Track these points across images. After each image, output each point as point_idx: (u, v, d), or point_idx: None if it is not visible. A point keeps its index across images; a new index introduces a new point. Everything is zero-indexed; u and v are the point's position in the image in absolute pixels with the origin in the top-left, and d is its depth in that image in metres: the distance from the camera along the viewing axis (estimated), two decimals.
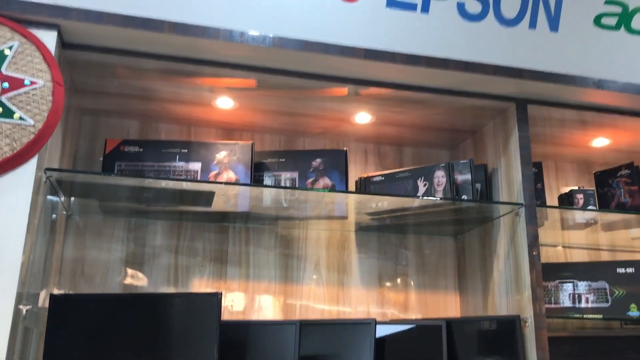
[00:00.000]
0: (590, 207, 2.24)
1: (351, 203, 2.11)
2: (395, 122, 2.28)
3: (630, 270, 2.20)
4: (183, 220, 2.25)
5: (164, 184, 1.89)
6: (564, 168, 2.70)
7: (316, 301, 2.30)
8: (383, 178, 2.18)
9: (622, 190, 2.31)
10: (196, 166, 2.04)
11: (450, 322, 2.06)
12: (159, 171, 2.02)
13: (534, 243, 1.98)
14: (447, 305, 2.41)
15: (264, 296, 2.26)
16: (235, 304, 2.23)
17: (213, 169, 2.04)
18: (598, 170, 2.43)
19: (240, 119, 2.27)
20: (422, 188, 2.11)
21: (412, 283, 2.41)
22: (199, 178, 2.02)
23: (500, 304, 2.12)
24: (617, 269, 2.22)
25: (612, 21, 2.08)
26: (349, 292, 2.34)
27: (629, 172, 2.31)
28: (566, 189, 2.35)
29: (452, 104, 2.12)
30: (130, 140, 2.06)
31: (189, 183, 1.90)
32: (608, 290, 2.19)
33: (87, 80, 1.98)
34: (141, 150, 2.05)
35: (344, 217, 2.24)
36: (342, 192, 2.01)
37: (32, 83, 1.59)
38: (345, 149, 2.16)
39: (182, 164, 2.04)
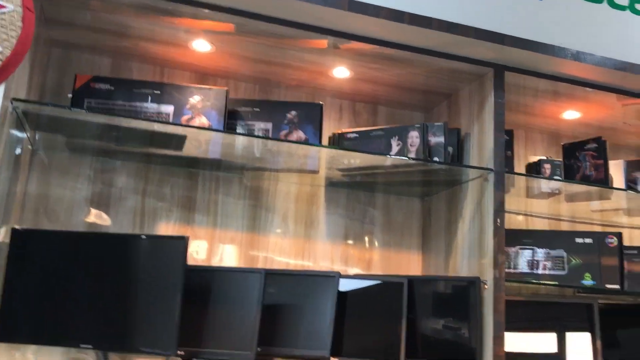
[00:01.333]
0: (556, 177, 2.28)
1: (324, 158, 2.10)
2: (373, 79, 2.27)
3: (588, 240, 2.27)
4: (152, 164, 2.21)
5: (134, 124, 1.84)
6: (533, 138, 2.73)
7: (281, 254, 2.31)
8: (357, 135, 2.17)
9: (588, 163, 2.36)
10: (168, 109, 2.00)
11: (412, 280, 2.10)
12: (130, 111, 1.97)
13: (499, 209, 2.02)
14: (410, 265, 2.45)
15: (229, 245, 2.26)
16: (200, 251, 2.22)
17: (186, 113, 2.00)
18: (567, 142, 2.47)
19: (215, 64, 2.22)
20: (395, 147, 2.11)
21: (377, 241, 2.44)
22: (171, 121, 1.97)
23: (461, 266, 2.16)
24: (576, 239, 2.28)
25: None
26: (315, 247, 2.36)
27: (596, 146, 2.36)
28: (535, 159, 2.39)
29: (431, 65, 2.11)
30: (101, 77, 2.00)
31: (160, 125, 1.86)
32: (565, 259, 2.26)
33: (58, 11, 1.89)
34: (112, 88, 1.99)
35: (315, 172, 2.24)
36: (317, 145, 2.00)
37: (0, 7, 1.51)
38: (321, 103, 2.13)
39: (154, 105, 1.99)
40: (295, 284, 2.01)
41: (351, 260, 2.40)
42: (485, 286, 1.99)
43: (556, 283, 2.23)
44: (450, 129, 2.22)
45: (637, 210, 2.60)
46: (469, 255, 2.13)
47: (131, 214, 2.17)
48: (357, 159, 2.06)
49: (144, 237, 1.84)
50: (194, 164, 2.21)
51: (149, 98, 1.99)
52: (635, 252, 2.35)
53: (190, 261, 2.18)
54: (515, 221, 2.61)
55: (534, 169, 2.35)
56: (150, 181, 2.21)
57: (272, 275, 2.01)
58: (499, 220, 2.00)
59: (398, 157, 2.05)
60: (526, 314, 2.23)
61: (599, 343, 2.15)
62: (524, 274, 2.26)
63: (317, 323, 1.95)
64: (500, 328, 1.93)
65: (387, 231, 2.46)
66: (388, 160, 2.06)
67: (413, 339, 2.04)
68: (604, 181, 2.31)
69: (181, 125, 1.91)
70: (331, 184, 2.39)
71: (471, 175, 2.14)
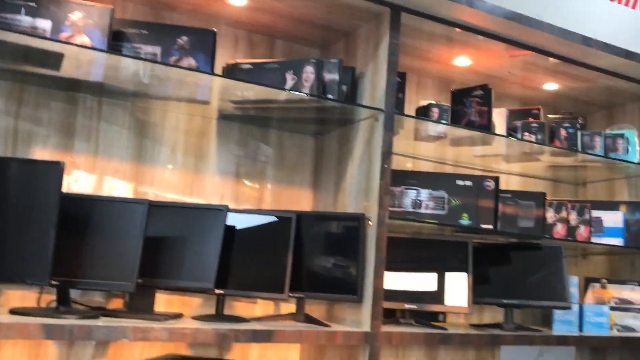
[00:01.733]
0: (443, 121, 2.36)
1: (216, 88, 2.04)
2: (270, 9, 2.20)
3: (468, 183, 2.39)
4: (27, 84, 2.04)
5: (3, 36, 1.67)
6: (425, 83, 2.80)
7: (168, 188, 2.24)
8: (252, 67, 2.11)
9: (473, 109, 2.46)
10: (45, 24, 1.83)
11: (300, 215, 2.12)
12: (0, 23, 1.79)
13: (387, 150, 2.06)
14: (301, 202, 2.47)
15: (112, 175, 2.16)
16: (81, 180, 2.11)
17: (65, 30, 1.84)
18: (455, 88, 2.55)
19: None
20: (290, 82, 2.08)
21: (269, 178, 2.43)
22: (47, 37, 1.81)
23: (349, 204, 2.21)
24: (457, 181, 2.40)
25: None
26: (204, 183, 2.31)
27: (482, 93, 2.46)
28: (424, 103, 2.45)
29: None
30: None
31: (36, 39, 1.70)
32: (446, 200, 2.37)
33: None
34: None
35: (206, 102, 2.16)
36: (208, 74, 1.92)
37: None
38: (214, 29, 2.04)
39: (28, 19, 1.82)
40: (182, 216, 1.97)
41: (242, 196, 2.37)
42: (370, 223, 2.05)
43: (436, 222, 2.34)
44: (345, 67, 2.22)
45: (514, 157, 2.76)
46: (356, 194, 2.17)
47: (2, 138, 2.00)
48: (250, 91, 2.01)
49: (15, 161, 1.71)
50: (74, 86, 2.07)
51: (23, 10, 1.81)
52: (510, 195, 2.51)
53: (70, 190, 2.07)
54: (402, 162, 2.69)
55: (422, 113, 2.41)
56: (25, 103, 2.04)
57: (157, 207, 1.95)
58: (386, 162, 2.04)
59: (292, 91, 2.03)
60: (408, 252, 2.33)
61: (471, 279, 2.30)
62: (407, 213, 2.35)
63: (203, 256, 1.93)
64: (381, 263, 2.01)
65: (280, 168, 2.45)
66: (282, 95, 2.03)
67: (299, 273, 2.08)
68: (487, 127, 2.42)
69: (58, 41, 1.76)
70: (223, 116, 2.33)
71: (363, 114, 2.16)
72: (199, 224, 1.96)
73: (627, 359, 2.77)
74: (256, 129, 2.42)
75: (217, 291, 1.99)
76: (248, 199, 2.38)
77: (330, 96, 2.10)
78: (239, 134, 2.39)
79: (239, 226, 2.08)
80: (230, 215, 2.06)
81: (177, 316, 1.96)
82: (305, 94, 2.03)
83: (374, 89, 2.14)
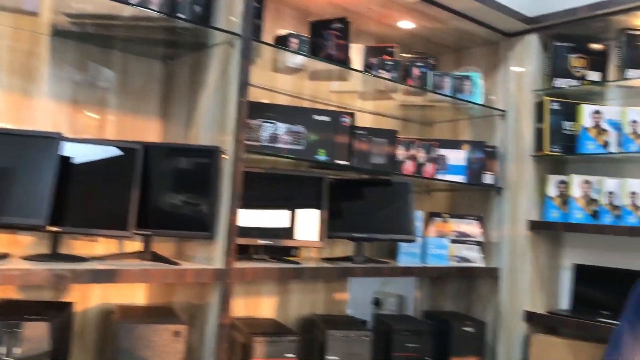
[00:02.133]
0: (302, 52, 2.28)
1: None
2: None
3: (325, 118, 2.36)
4: None
5: None
6: (283, 11, 2.68)
7: None
8: None
9: (332, 42, 2.40)
10: None
11: (148, 147, 1.95)
12: None
13: (244, 79, 1.95)
14: (149, 133, 2.28)
15: None
16: None
17: None
18: (314, 20, 2.47)
19: None
20: None
21: (111, 105, 2.20)
22: None
23: (203, 137, 2.08)
24: (314, 116, 2.35)
25: None
26: (34, 109, 2.03)
27: (341, 26, 2.40)
28: (283, 32, 2.34)
29: None
30: None
31: None
32: (303, 135, 2.32)
33: None
34: None
35: (35, 13, 1.87)
36: None
37: None
38: None
39: None
40: (7, 145, 1.71)
41: (80, 125, 2.13)
42: (225, 156, 1.94)
43: (293, 157, 2.29)
44: None
45: (369, 94, 2.78)
46: (210, 126, 2.04)
47: None
48: (88, 4, 1.77)
49: None
50: None
51: None
52: (365, 132, 2.52)
53: None
54: (258, 95, 2.58)
55: (281, 43, 2.30)
56: None
57: None
58: (243, 93, 1.93)
59: (137, 7, 1.81)
60: (263, 187, 2.27)
61: (325, 214, 2.30)
62: (264, 147, 2.27)
63: (33, 189, 1.70)
64: (236, 198, 1.92)
65: (124, 95, 2.23)
66: (126, 10, 1.81)
67: (146, 209, 1.93)
68: (345, 62, 2.38)
69: None
70: (57, 32, 2.04)
71: (218, 39, 2.01)
72: (28, 153, 1.72)
73: (463, 287, 2.99)
74: (96, 49, 2.16)
75: (50, 228, 1.78)
76: (87, 129, 2.14)
77: (181, 15, 1.91)
78: (76, 54, 2.12)
79: (77, 158, 1.86)
80: (67, 145, 1.84)
81: (3, 256, 1.73)
82: (153, 10, 1.83)
83: (230, 12, 1.99)
